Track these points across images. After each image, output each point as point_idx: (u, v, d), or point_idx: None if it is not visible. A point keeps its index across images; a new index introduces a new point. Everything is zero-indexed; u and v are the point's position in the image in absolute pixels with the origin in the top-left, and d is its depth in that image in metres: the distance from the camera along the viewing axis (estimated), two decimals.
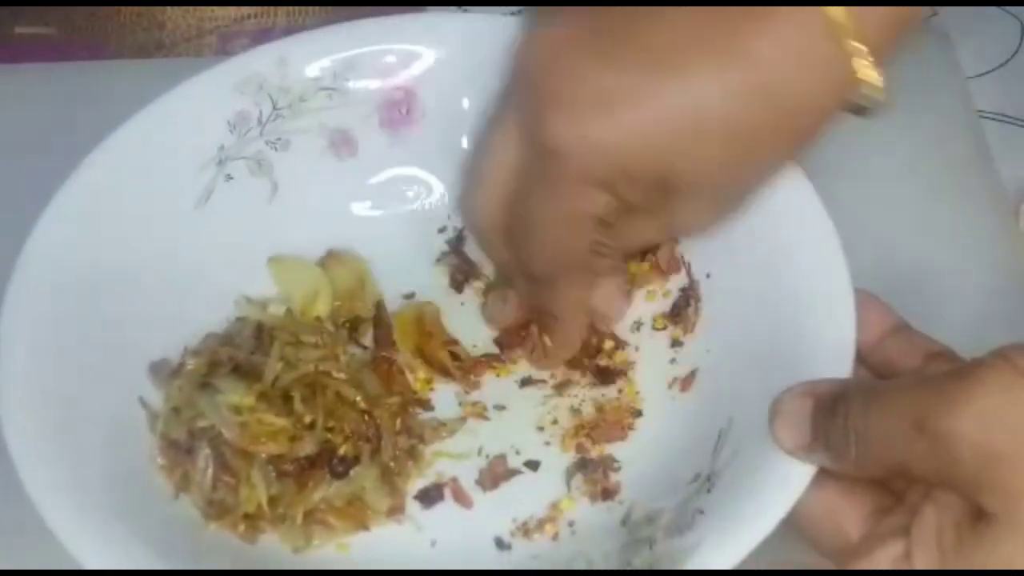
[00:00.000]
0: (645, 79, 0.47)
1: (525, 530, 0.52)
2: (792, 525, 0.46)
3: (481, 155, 0.53)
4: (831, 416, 0.44)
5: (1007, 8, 0.74)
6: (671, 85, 0.47)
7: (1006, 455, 0.40)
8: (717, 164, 0.48)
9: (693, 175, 0.48)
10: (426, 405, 0.56)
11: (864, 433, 0.43)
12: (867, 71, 0.47)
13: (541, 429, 0.55)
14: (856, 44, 0.46)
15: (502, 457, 0.54)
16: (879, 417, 0.43)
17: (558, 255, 0.52)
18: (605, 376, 0.56)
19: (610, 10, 0.48)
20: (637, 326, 0.57)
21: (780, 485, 0.46)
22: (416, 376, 0.56)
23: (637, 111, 0.47)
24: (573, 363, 0.56)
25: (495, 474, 0.54)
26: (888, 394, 0.43)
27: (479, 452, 0.54)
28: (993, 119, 0.70)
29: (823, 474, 0.46)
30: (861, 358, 0.49)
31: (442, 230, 0.61)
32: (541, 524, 0.52)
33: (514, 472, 0.54)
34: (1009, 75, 0.71)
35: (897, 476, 0.45)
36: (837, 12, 0.46)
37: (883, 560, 0.43)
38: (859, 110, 0.49)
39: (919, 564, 0.42)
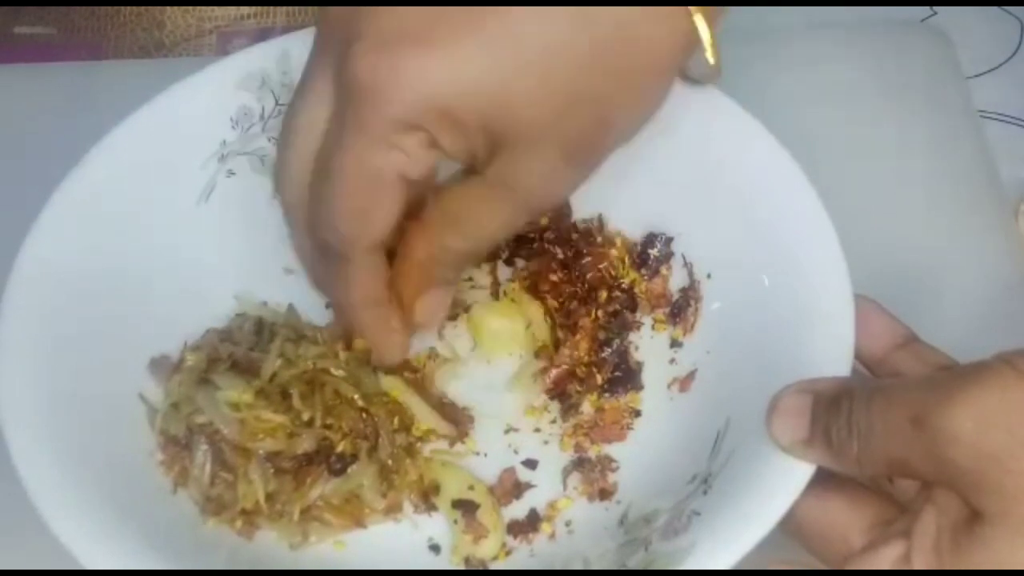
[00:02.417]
0: (470, 13, 0.42)
1: (522, 529, 0.52)
2: (795, 535, 0.46)
3: (290, 115, 0.47)
4: (834, 412, 0.44)
5: (1007, 8, 0.74)
6: (501, 16, 0.42)
7: (1001, 456, 0.40)
8: (555, 104, 0.44)
9: (527, 118, 0.44)
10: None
11: (866, 428, 0.43)
12: (704, 29, 0.45)
13: (538, 430, 0.55)
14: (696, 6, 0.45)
15: (511, 470, 0.54)
16: (881, 413, 0.43)
17: (357, 221, 0.46)
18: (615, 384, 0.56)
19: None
20: (638, 326, 0.57)
21: (776, 488, 0.46)
22: None
23: (460, 44, 0.42)
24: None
25: (506, 489, 0.53)
26: (890, 391, 0.43)
27: (477, 453, 0.54)
28: (993, 119, 0.70)
29: (827, 485, 0.46)
30: (869, 371, 0.50)
31: None
32: (538, 523, 0.52)
33: (526, 487, 0.53)
34: (1009, 75, 0.71)
35: (897, 474, 0.45)
36: None
37: (883, 561, 0.43)
38: (690, 77, 0.48)
39: (917, 565, 0.42)
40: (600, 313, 0.56)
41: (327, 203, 0.46)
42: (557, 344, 0.56)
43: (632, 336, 0.57)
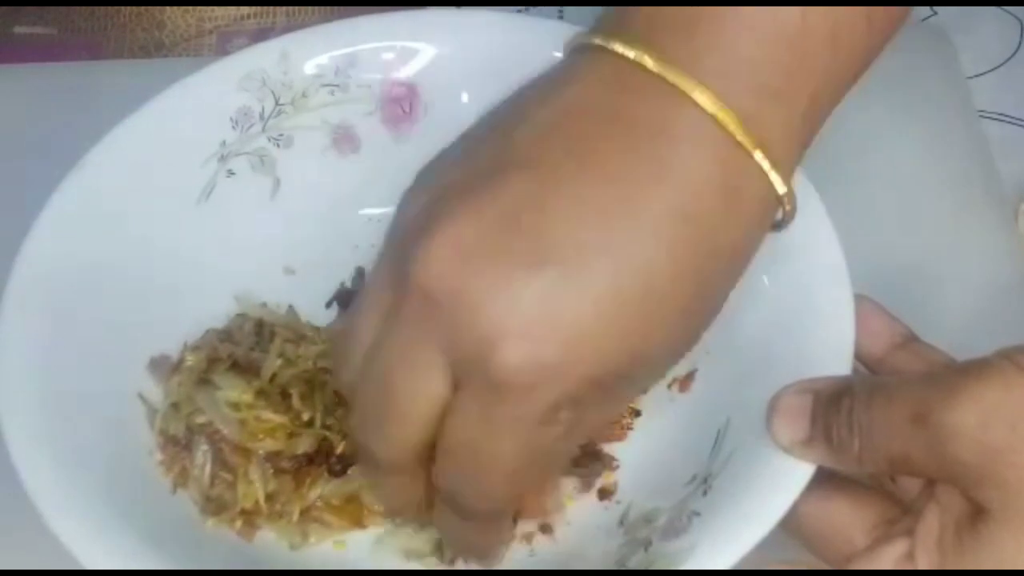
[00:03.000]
0: (576, 274, 0.40)
1: (523, 528, 0.52)
2: (797, 535, 0.46)
3: (393, 387, 0.43)
4: (835, 410, 0.44)
5: (1007, 8, 0.74)
6: (602, 265, 0.40)
7: (1004, 451, 0.40)
8: (680, 331, 0.43)
9: (657, 350, 0.42)
10: None
11: (867, 426, 0.43)
12: (782, 187, 0.42)
13: None
14: (767, 164, 0.42)
15: None
16: (882, 410, 0.43)
17: (518, 488, 0.45)
18: None
19: (500, 185, 0.41)
20: None
21: (777, 488, 0.45)
22: None
23: (584, 313, 0.40)
24: None
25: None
26: (891, 388, 0.43)
27: None
28: (993, 119, 0.70)
29: (830, 485, 0.46)
30: (869, 370, 0.50)
31: None
32: (539, 523, 0.52)
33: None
34: (1009, 75, 0.71)
35: (898, 472, 0.45)
36: (728, 121, 0.41)
37: (886, 559, 0.43)
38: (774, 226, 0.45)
39: (921, 563, 0.42)
40: None
41: (482, 487, 0.44)
42: None
43: None
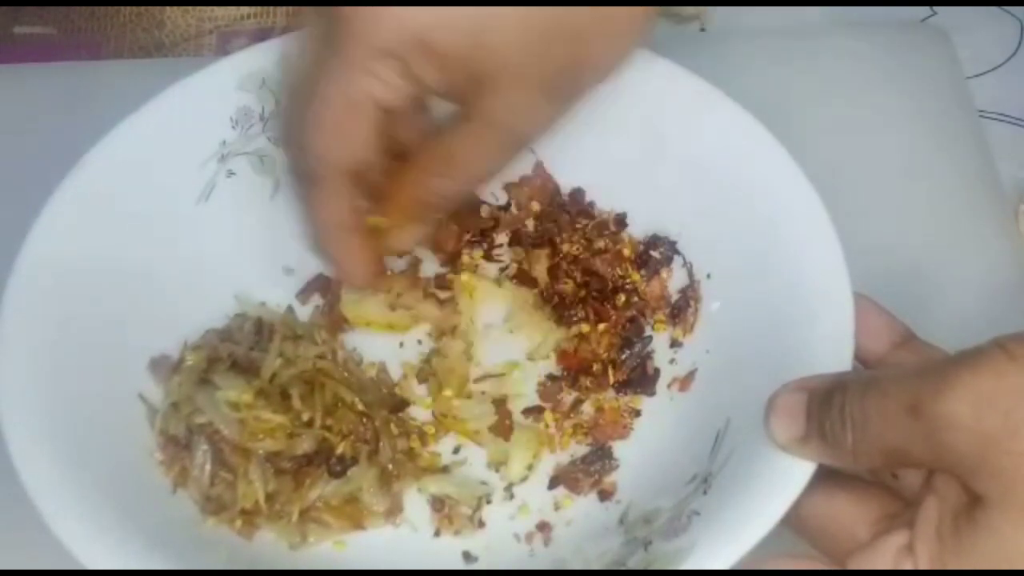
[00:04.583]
0: None
1: (523, 528, 0.52)
2: (800, 532, 0.47)
3: (288, 60, 0.48)
4: (827, 406, 0.44)
5: (1007, 8, 0.74)
6: None
7: (1000, 438, 0.40)
8: (532, 40, 0.46)
9: (505, 54, 0.46)
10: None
11: (862, 420, 0.43)
12: None
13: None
14: None
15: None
16: (876, 404, 0.43)
17: (331, 143, 0.48)
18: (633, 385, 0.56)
19: None
20: (639, 327, 0.57)
21: (776, 487, 0.46)
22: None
23: None
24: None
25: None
26: (884, 382, 0.43)
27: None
28: (993, 119, 0.70)
29: (832, 482, 0.46)
30: (869, 369, 0.50)
31: None
32: (539, 522, 0.52)
33: None
34: (1009, 75, 0.71)
35: (895, 464, 0.45)
36: None
37: (887, 550, 0.43)
38: (675, 15, 0.49)
39: (920, 554, 0.42)
40: (617, 315, 0.57)
41: (305, 126, 0.47)
42: (561, 321, 0.57)
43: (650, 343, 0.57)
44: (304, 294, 0.58)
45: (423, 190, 0.51)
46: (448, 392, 0.55)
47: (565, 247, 0.58)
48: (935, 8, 0.74)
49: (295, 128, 0.48)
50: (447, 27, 0.45)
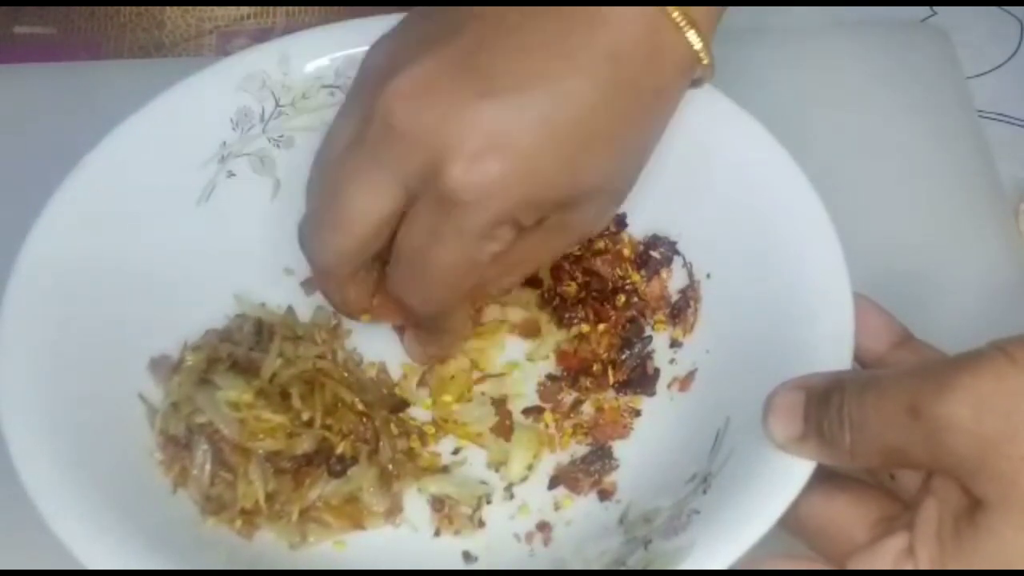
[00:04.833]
0: (519, 103, 0.47)
1: (523, 528, 0.52)
2: (799, 533, 0.46)
3: (342, 200, 0.50)
4: (825, 405, 0.44)
5: (1007, 8, 0.74)
6: (543, 100, 0.47)
7: (999, 441, 0.40)
8: (611, 164, 0.50)
9: (591, 179, 0.49)
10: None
11: (860, 420, 0.43)
12: (696, 41, 0.50)
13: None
14: (684, 22, 0.49)
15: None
16: (875, 404, 0.43)
17: (454, 294, 0.51)
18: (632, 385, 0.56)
19: (455, 35, 0.48)
20: (639, 327, 0.57)
21: (776, 487, 0.46)
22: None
23: (525, 137, 0.47)
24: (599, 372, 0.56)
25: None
26: (883, 382, 0.43)
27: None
28: (993, 119, 0.70)
29: (831, 483, 0.46)
30: (867, 369, 0.50)
31: None
32: (539, 522, 0.52)
33: None
34: (1009, 75, 0.71)
35: (893, 465, 0.45)
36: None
37: (887, 552, 0.43)
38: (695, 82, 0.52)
39: (921, 556, 0.42)
40: (617, 316, 0.57)
41: (421, 293, 0.51)
42: (561, 323, 0.57)
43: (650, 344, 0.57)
44: (309, 284, 0.58)
45: (495, 290, 0.55)
46: (448, 397, 0.55)
47: None
48: (935, 8, 0.74)
49: (400, 286, 0.51)
50: (543, 177, 0.48)
